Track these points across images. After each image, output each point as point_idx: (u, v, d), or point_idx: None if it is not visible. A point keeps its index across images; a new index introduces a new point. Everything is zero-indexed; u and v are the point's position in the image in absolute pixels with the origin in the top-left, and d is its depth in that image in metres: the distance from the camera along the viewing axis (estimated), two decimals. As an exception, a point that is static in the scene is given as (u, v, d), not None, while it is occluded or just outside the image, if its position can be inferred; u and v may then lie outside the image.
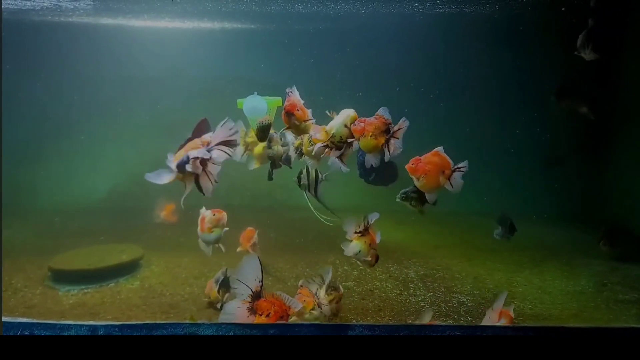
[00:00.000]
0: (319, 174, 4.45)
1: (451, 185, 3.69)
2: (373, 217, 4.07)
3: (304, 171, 4.42)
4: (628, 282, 6.10)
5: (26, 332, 2.66)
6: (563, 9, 7.85)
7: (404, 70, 9.77)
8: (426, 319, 3.98)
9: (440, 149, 3.68)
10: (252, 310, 3.04)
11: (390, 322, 4.85)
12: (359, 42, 10.01)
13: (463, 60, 9.92)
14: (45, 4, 8.77)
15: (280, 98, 3.34)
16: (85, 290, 5.61)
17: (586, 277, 6.30)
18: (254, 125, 3.27)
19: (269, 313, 3.06)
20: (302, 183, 4.46)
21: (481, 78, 9.61)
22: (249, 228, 6.39)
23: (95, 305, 5.25)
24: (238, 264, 3.07)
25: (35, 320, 2.72)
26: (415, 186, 4.84)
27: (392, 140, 3.53)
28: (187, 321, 2.99)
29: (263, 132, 3.30)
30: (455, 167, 3.69)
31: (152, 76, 9.96)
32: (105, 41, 10.04)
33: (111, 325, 2.69)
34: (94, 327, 2.67)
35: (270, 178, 4.59)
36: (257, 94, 3.22)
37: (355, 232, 4.05)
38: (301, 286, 4.24)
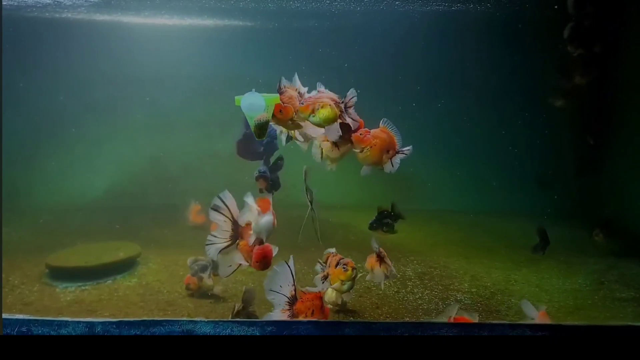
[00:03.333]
0: (311, 190, 4.14)
1: (392, 165, 3.61)
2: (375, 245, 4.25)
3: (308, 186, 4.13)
4: (625, 280, 6.12)
5: (23, 329, 2.65)
6: (556, 6, 7.85)
7: (402, 68, 9.79)
8: (452, 313, 3.91)
9: (385, 120, 3.60)
10: (294, 315, 3.07)
11: (387, 320, 4.85)
12: (356, 39, 10.00)
13: (461, 58, 9.92)
14: (45, 0, 8.74)
15: (278, 95, 3.33)
16: (83, 288, 5.61)
17: (583, 275, 6.31)
18: (251, 123, 3.26)
19: (312, 311, 3.10)
20: (310, 199, 4.14)
21: (480, 76, 9.61)
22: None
23: (93, 303, 5.24)
24: (269, 274, 3.11)
25: (32, 317, 2.71)
26: (382, 214, 4.85)
27: (347, 114, 3.43)
28: (184, 318, 3.00)
29: (261, 129, 3.28)
30: (400, 150, 3.62)
31: (149, 74, 9.93)
32: (102, 38, 10.00)
33: (108, 322, 2.68)
34: (92, 324, 2.67)
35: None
36: (255, 91, 3.21)
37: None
38: (333, 254, 4.12)
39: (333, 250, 4.17)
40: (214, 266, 5.34)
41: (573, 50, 6.49)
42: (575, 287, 5.96)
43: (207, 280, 5.36)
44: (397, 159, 3.61)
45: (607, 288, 5.89)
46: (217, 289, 5.42)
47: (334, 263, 3.96)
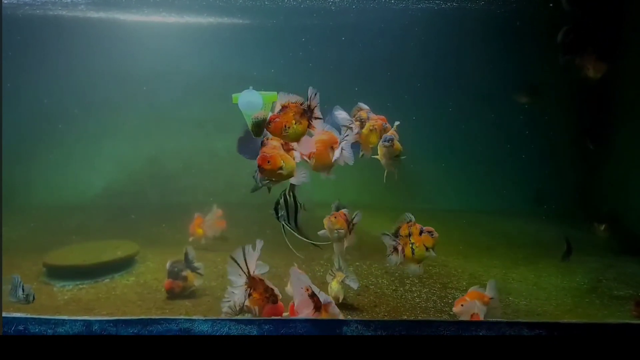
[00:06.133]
0: (298, 203, 3.89)
1: (344, 156, 3.58)
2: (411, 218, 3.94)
3: (282, 201, 3.89)
4: (623, 278, 6.14)
5: (21, 328, 2.65)
6: (551, 4, 7.82)
7: (400, 67, 9.79)
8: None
9: (320, 122, 3.50)
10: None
11: (385, 318, 4.85)
12: (354, 37, 10.00)
13: (459, 57, 9.92)
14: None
15: (276, 93, 3.32)
16: (81, 286, 5.60)
17: (581, 274, 6.32)
18: (249, 120, 3.26)
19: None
20: (280, 214, 3.91)
21: (477, 75, 9.61)
22: (197, 215, 6.84)
23: (91, 301, 5.24)
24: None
25: (30, 316, 2.71)
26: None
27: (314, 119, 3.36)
28: (182, 317, 3.00)
29: (258, 127, 3.29)
30: (342, 139, 3.57)
31: (148, 72, 9.92)
32: (101, 36, 9.99)
33: (106, 321, 2.68)
34: (89, 323, 2.67)
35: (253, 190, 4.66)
36: (253, 89, 3.22)
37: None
38: (412, 222, 4.00)
39: (411, 217, 3.99)
40: (189, 263, 5.48)
41: (567, 57, 6.47)
42: (573, 285, 5.97)
43: (195, 277, 5.47)
44: (345, 147, 3.58)
45: (605, 286, 5.90)
46: (198, 283, 5.51)
47: (417, 231, 3.89)
